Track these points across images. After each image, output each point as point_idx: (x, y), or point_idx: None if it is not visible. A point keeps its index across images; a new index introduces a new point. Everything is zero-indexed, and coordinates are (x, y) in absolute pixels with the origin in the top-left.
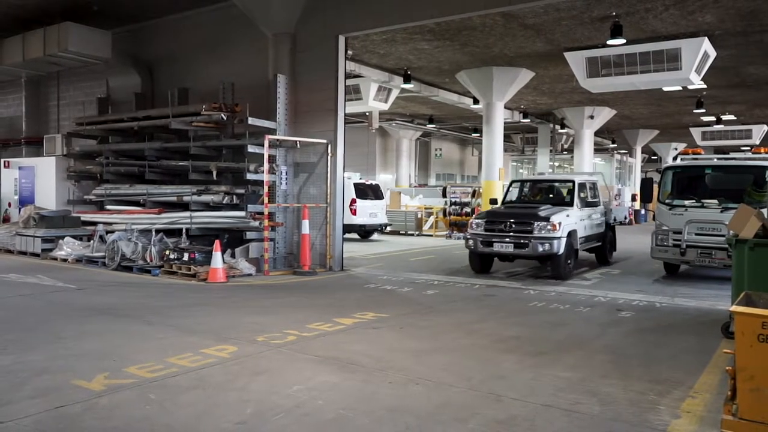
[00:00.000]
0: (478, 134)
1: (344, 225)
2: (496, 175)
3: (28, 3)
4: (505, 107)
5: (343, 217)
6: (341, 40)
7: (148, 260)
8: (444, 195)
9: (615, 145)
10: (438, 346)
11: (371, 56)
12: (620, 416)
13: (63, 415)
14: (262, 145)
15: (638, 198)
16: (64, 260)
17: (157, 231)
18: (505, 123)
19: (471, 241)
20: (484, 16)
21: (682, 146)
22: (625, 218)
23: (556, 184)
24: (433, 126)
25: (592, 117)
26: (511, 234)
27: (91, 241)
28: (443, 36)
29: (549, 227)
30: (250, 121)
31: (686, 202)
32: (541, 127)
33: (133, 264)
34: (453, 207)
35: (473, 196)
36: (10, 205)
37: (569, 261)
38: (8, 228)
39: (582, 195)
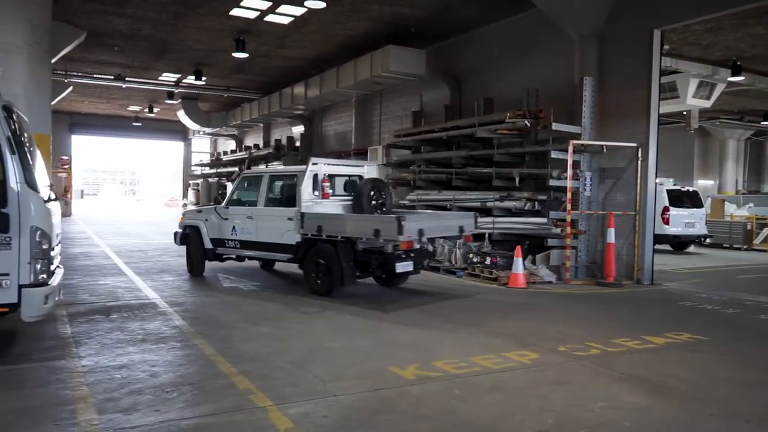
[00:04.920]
0: None
1: (655, 235)
2: None
3: (359, 32)
4: None
5: (654, 226)
6: (656, 34)
7: (453, 262)
8: None
9: None
10: None
11: (691, 49)
12: None
13: (381, 397)
14: (566, 151)
15: None
16: None
17: None
18: None
19: None
20: None
21: None
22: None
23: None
24: None
25: None
26: None
27: None
28: None
29: None
30: (554, 126)
31: None
32: None
33: (440, 265)
34: None
35: None
36: None
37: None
38: None
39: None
